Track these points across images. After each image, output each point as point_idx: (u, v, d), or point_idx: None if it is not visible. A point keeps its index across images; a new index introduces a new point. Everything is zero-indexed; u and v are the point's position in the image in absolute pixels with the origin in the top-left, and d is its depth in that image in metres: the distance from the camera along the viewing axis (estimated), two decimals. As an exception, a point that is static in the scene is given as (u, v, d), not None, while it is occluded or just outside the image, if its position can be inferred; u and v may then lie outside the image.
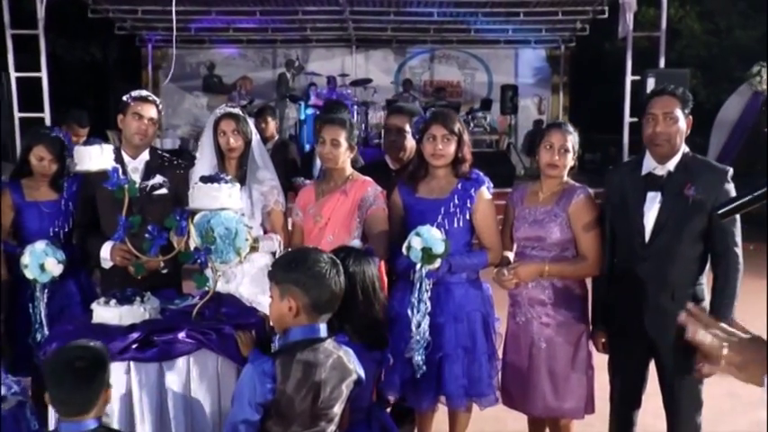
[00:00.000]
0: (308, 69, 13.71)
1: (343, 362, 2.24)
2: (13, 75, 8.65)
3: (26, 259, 3.22)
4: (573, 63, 15.27)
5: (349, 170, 3.44)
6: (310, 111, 10.85)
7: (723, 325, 1.40)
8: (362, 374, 2.31)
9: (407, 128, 3.77)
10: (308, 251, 2.37)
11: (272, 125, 6.25)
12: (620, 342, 3.17)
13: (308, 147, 9.81)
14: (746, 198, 1.70)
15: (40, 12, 8.95)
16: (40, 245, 3.26)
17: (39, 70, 8.95)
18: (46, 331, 3.30)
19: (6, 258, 3.54)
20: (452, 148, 3.23)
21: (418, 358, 3.01)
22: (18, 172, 3.72)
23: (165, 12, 11.57)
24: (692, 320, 1.41)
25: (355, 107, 11.36)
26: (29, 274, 3.23)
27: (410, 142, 3.79)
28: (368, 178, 3.42)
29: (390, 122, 3.89)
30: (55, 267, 3.24)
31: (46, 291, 3.30)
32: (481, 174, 3.32)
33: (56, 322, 3.32)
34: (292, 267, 2.22)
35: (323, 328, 2.24)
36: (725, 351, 1.34)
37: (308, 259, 2.24)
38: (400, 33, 13.94)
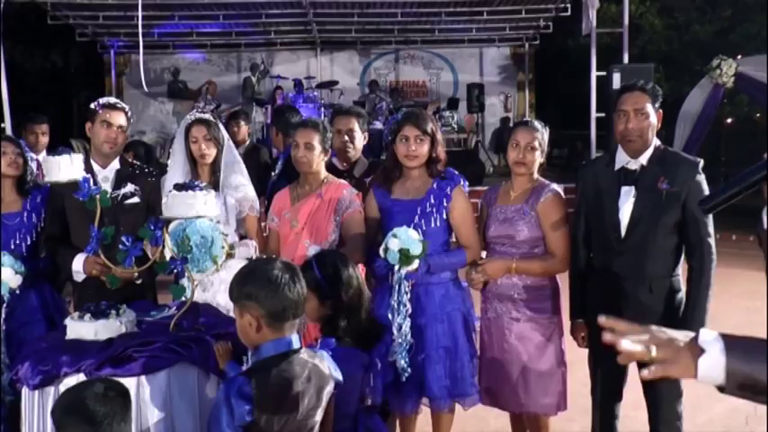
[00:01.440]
0: (273, 73, 13.63)
1: (319, 370, 2.19)
2: (-28, 85, 8.44)
3: None
4: (537, 60, 15.41)
5: (323, 173, 3.42)
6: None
7: (646, 328, 1.41)
8: (340, 377, 2.28)
9: (356, 127, 3.86)
10: (258, 262, 2.31)
11: (243, 129, 6.18)
12: (599, 336, 3.17)
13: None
14: (733, 190, 1.69)
15: (-2, 19, 8.74)
16: None
17: (-3, 79, 8.75)
18: (3, 348, 3.20)
19: None
20: (426, 148, 3.22)
21: (402, 362, 2.99)
22: None
23: (126, 17, 11.44)
24: (614, 337, 1.42)
25: (322, 110, 11.31)
26: None
27: (359, 142, 3.88)
28: (343, 181, 3.41)
29: (340, 125, 3.90)
30: (12, 278, 3.14)
31: (4, 305, 3.19)
32: (456, 172, 3.32)
33: (16, 339, 3.23)
34: (243, 282, 2.17)
35: (295, 339, 2.18)
36: (654, 352, 1.36)
37: (258, 270, 2.18)
38: (364, 35, 13.93)
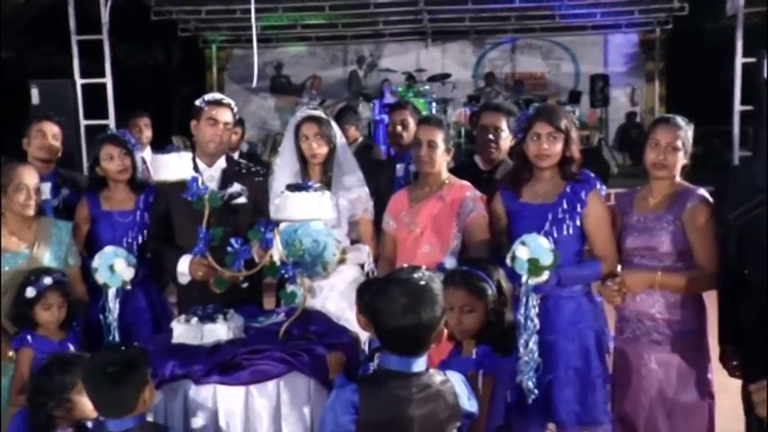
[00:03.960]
0: (381, 66, 13.75)
1: (443, 395, 2.14)
2: (79, 81, 8.91)
3: (96, 262, 3.29)
4: (670, 47, 14.74)
5: (445, 174, 3.40)
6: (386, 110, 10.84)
7: None
8: (472, 409, 2.23)
9: (503, 126, 3.77)
10: (395, 276, 2.21)
11: (351, 130, 6.20)
12: (755, 365, 2.98)
13: (383, 148, 9.79)
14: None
15: (104, 16, 9.20)
16: (109, 248, 3.33)
17: (102, 76, 9.18)
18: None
19: None
20: (559, 146, 3.13)
21: (528, 382, 2.91)
22: (91, 184, 3.80)
23: (229, 11, 11.81)
24: None
25: (433, 104, 11.28)
26: (99, 278, 3.28)
27: (505, 142, 3.79)
28: (465, 182, 3.38)
29: (485, 120, 3.86)
30: (125, 270, 3.28)
31: (118, 300, 3.35)
32: (592, 174, 3.21)
33: (124, 339, 3.38)
34: (368, 291, 2.20)
35: (420, 362, 2.13)
36: None
37: (385, 288, 2.13)
38: (479, 23, 13.76)
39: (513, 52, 14.89)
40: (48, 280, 3.16)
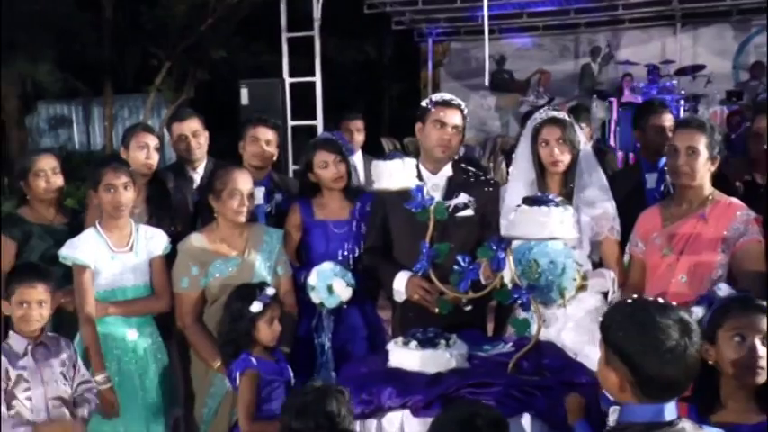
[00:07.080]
0: (618, 58, 13.35)
1: None
2: (288, 80, 9.46)
3: (313, 280, 3.46)
4: None
5: (708, 189, 3.24)
6: (625, 110, 10.52)
7: None
8: None
9: None
10: (654, 310, 2.05)
11: (586, 130, 6.11)
12: None
13: (620, 154, 9.52)
14: None
15: (317, 12, 9.71)
16: (327, 265, 3.50)
17: (311, 74, 9.68)
18: (331, 365, 3.53)
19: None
20: None
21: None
22: (303, 191, 4.01)
23: (448, 1, 12.03)
24: None
25: (682, 102, 10.81)
26: (315, 297, 3.46)
27: None
28: (734, 200, 3.22)
29: (759, 125, 3.67)
30: (343, 291, 3.45)
31: (332, 318, 3.52)
32: None
33: (340, 359, 3.54)
34: (624, 327, 2.03)
35: (670, 409, 2.04)
36: None
37: (649, 324, 2.00)
38: (743, 1, 12.90)
39: (787, 34, 13.85)
40: (271, 291, 3.31)
